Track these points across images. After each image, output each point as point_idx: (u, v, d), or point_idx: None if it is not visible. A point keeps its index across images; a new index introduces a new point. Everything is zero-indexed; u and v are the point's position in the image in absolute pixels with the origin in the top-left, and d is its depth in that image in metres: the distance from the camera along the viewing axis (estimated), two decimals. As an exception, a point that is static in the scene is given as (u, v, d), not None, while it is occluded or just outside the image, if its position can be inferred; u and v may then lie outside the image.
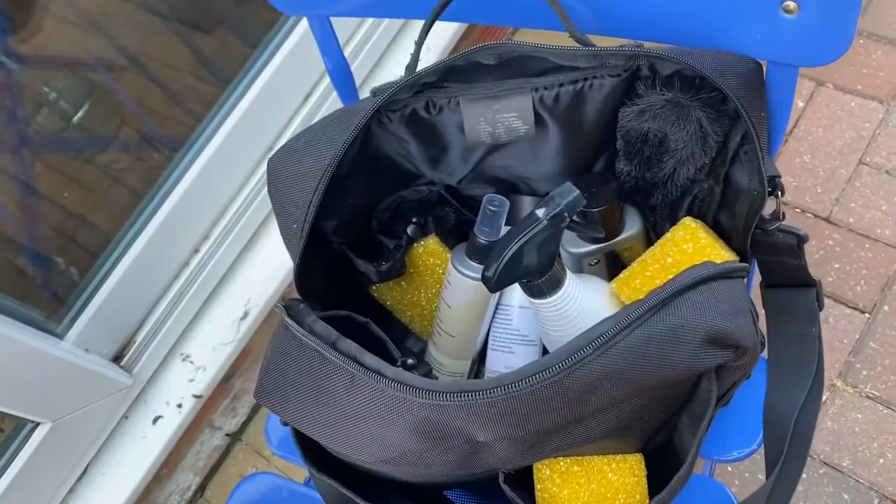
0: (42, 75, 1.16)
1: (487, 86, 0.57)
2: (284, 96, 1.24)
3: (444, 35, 1.35)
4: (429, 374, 0.61)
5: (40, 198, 1.15)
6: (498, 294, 0.70)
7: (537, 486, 0.54)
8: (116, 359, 1.16)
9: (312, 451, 0.53)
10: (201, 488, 1.33)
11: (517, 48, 0.53)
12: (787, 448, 0.59)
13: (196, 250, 1.20)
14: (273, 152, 0.58)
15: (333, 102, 1.27)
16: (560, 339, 0.61)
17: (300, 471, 0.78)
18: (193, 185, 1.16)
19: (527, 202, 0.69)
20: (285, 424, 0.57)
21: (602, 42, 0.56)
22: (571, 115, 0.58)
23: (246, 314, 1.22)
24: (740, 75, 0.52)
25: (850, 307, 1.15)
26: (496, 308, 0.71)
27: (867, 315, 1.14)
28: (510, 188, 0.70)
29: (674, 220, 0.68)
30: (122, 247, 1.15)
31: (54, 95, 1.19)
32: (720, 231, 0.63)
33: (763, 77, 0.54)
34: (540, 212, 0.54)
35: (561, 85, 0.56)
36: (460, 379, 0.71)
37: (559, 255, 0.61)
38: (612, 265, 0.69)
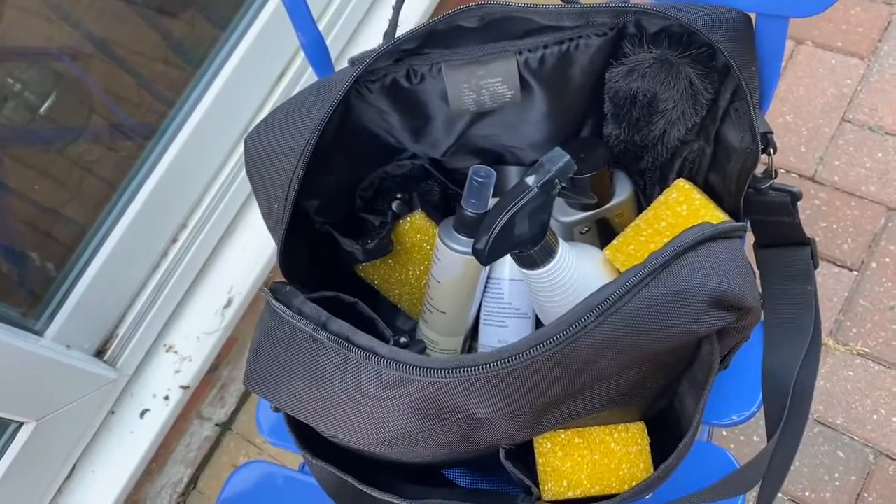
0: (5, 67, 1.12)
1: (470, 50, 0.55)
2: (257, 77, 1.21)
3: (421, 1, 1.32)
4: (423, 351, 0.59)
5: (10, 193, 1.12)
6: (488, 267, 0.68)
7: (539, 460, 0.53)
8: (99, 353, 1.13)
9: (306, 437, 0.51)
10: (194, 480, 1.31)
11: (500, 9, 0.51)
12: (787, 409, 0.58)
13: (174, 239, 1.18)
14: (249, 131, 0.55)
15: (308, 80, 1.24)
16: (554, 310, 0.60)
17: (294, 457, 0.76)
18: (168, 172, 1.13)
19: (513, 172, 0.67)
20: (277, 410, 0.56)
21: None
22: (557, 78, 0.56)
23: (230, 302, 1.20)
24: (730, 29, 0.50)
25: (837, 265, 1.15)
26: (487, 282, 0.69)
27: (855, 273, 1.14)
28: (495, 158, 0.68)
29: (664, 183, 0.66)
30: (98, 239, 1.12)
31: (19, 87, 1.15)
32: (711, 192, 0.62)
33: (752, 30, 0.53)
34: (530, 179, 0.52)
35: (546, 47, 0.54)
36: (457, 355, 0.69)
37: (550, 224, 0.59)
38: (604, 232, 0.67)
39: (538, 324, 0.71)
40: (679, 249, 0.44)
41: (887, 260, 1.12)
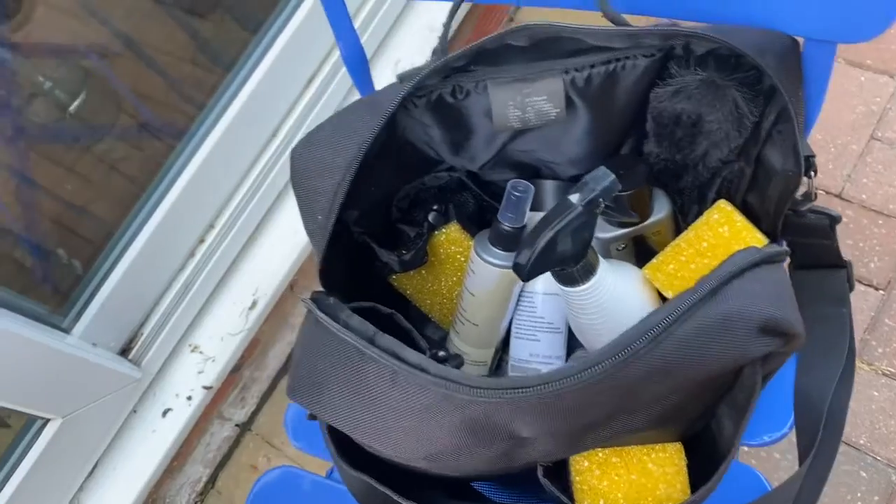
0: (36, 64, 1.14)
1: (517, 68, 0.55)
2: (287, 81, 1.22)
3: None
4: (461, 365, 0.59)
5: (40, 190, 1.13)
6: (518, 281, 0.68)
7: (575, 479, 0.53)
8: (123, 352, 1.14)
9: (345, 448, 0.51)
10: (212, 480, 1.32)
11: (551, 29, 0.51)
12: (821, 432, 0.58)
13: (202, 240, 1.18)
14: (295, 142, 0.56)
15: (339, 84, 1.25)
16: (591, 328, 0.60)
17: (316, 462, 0.77)
18: (197, 174, 1.14)
19: (549, 187, 0.68)
20: (312, 419, 0.56)
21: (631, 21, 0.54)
22: (602, 97, 0.56)
23: (254, 304, 1.21)
24: (778, 54, 0.50)
25: (864, 284, 1.14)
26: (520, 295, 0.70)
27: (881, 292, 1.13)
28: (532, 172, 0.68)
29: (702, 203, 0.66)
30: (127, 238, 1.13)
31: (49, 85, 1.17)
32: (749, 213, 0.62)
33: (800, 55, 0.53)
34: (574, 197, 0.52)
35: (593, 66, 0.54)
36: (512, 375, 0.69)
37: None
38: (640, 249, 0.68)
39: (570, 339, 0.71)
40: (728, 275, 0.44)
41: (916, 281, 1.12)
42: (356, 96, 1.28)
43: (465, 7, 1.35)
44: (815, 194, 0.60)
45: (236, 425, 1.32)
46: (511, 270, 0.65)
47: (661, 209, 0.65)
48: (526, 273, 0.53)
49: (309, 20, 1.20)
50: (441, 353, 0.56)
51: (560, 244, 0.52)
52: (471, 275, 0.67)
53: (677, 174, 0.63)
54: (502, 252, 0.65)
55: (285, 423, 0.80)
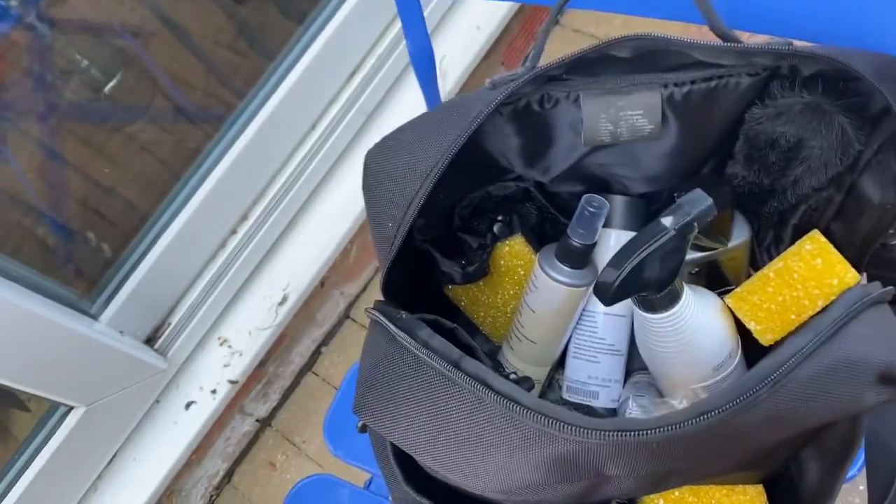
0: (72, 41, 1.11)
1: (612, 80, 0.52)
2: (330, 73, 1.19)
3: (495, 16, 1.30)
4: (532, 388, 0.56)
5: (72, 172, 1.11)
6: (585, 300, 0.65)
7: None
8: (149, 341, 1.12)
9: (409, 470, 0.48)
10: (229, 474, 1.30)
11: (660, 41, 0.48)
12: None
13: (234, 231, 1.16)
14: (372, 146, 0.53)
15: (382, 79, 1.22)
16: (665, 356, 0.57)
17: (336, 464, 0.74)
18: (234, 164, 1.11)
19: (618, 203, 0.64)
20: (363, 431, 0.53)
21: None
22: (698, 115, 0.53)
23: (284, 299, 1.18)
24: (894, 79, 0.47)
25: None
26: (581, 314, 0.67)
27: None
28: (601, 186, 0.65)
29: (781, 229, 0.63)
30: (160, 226, 1.10)
31: (86, 63, 1.14)
32: (831, 242, 0.59)
33: (915, 82, 0.49)
34: (667, 221, 0.49)
35: (693, 82, 0.51)
36: (617, 417, 0.65)
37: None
38: (712, 274, 0.64)
39: (630, 362, 0.68)
40: (845, 316, 0.41)
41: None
42: (402, 91, 1.26)
43: (512, 5, 1.32)
44: (906, 228, 0.57)
45: (257, 420, 1.30)
46: (575, 289, 0.63)
47: (741, 234, 0.62)
48: (610, 297, 0.50)
49: (356, 12, 1.17)
50: (513, 375, 0.53)
51: (648, 268, 0.49)
52: (532, 290, 0.64)
53: (762, 199, 0.60)
54: (569, 269, 0.62)
55: (324, 429, 0.77)
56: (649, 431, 0.37)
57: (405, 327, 0.47)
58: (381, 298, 0.58)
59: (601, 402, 0.67)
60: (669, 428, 0.37)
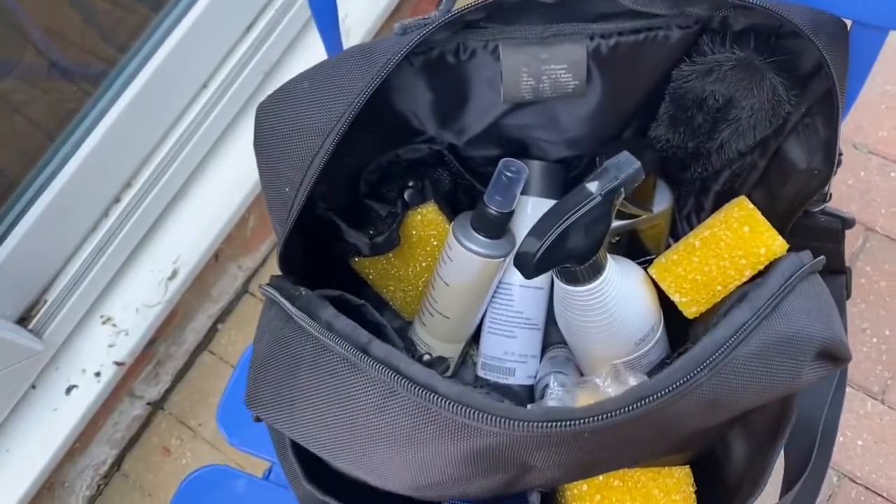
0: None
1: (536, 30, 0.47)
2: (223, 27, 1.09)
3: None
4: (446, 371, 0.52)
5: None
6: (501, 272, 0.61)
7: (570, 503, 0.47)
8: (22, 321, 1.01)
9: (309, 466, 0.43)
10: (118, 461, 1.21)
11: (588, -15, 0.43)
12: (815, 452, 0.53)
13: (117, 200, 1.06)
14: (265, 97, 0.46)
15: (282, 34, 1.13)
16: (586, 331, 0.53)
17: (237, 452, 0.68)
18: (116, 125, 1.01)
19: (536, 168, 0.60)
20: (258, 420, 0.48)
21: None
22: (624, 71, 0.49)
23: (174, 273, 1.09)
24: (831, 35, 0.44)
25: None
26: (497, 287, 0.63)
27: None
28: (519, 149, 0.61)
29: (702, 196, 0.61)
30: (32, 193, 0.99)
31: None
32: (752, 211, 0.57)
33: (848, 40, 0.47)
34: (592, 186, 0.45)
35: (621, 34, 0.47)
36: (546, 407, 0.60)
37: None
38: (630, 244, 0.62)
39: (546, 336, 0.65)
40: (782, 289, 0.38)
41: (863, 281, 1.11)
42: (303, 47, 1.18)
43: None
44: (830, 195, 0.55)
45: (148, 404, 1.21)
46: (492, 260, 0.59)
47: (663, 201, 0.59)
48: (532, 269, 0.45)
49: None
50: (426, 357, 0.48)
51: (572, 238, 0.46)
52: (446, 262, 0.59)
53: (685, 164, 0.57)
54: (485, 239, 0.57)
55: (218, 415, 0.71)
56: (581, 421, 0.33)
57: (304, 306, 0.41)
58: (279, 273, 0.53)
59: (518, 379, 0.63)
60: (603, 417, 0.34)
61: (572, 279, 0.49)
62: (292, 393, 0.39)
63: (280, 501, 0.65)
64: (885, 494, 1.01)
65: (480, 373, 0.65)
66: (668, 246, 0.62)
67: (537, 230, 0.45)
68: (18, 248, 0.96)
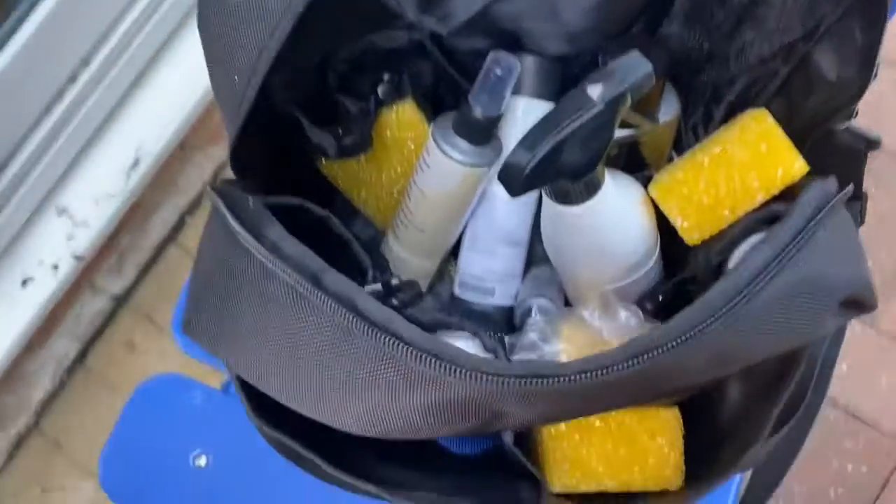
0: None
1: None
2: None
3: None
4: (417, 297, 0.47)
5: None
6: (484, 181, 0.55)
7: (549, 444, 0.43)
8: (-29, 207, 0.95)
9: (259, 401, 0.38)
10: (81, 356, 1.17)
11: None
12: (811, 390, 0.49)
13: (73, 78, 0.97)
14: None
15: None
16: (576, 253, 0.48)
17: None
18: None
19: (529, 63, 0.53)
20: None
21: None
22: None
23: (137, 162, 1.02)
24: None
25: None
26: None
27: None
28: (510, 42, 0.53)
29: (712, 106, 0.54)
30: (-25, 67, 0.91)
31: None
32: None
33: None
34: (594, 90, 0.39)
35: None
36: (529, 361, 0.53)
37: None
38: (630, 155, 0.55)
39: (530, 252, 0.60)
40: (807, 223, 0.33)
41: (863, 200, 1.06)
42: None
43: None
44: (857, 111, 0.49)
45: (112, 298, 1.16)
46: (475, 169, 0.52)
47: (670, 110, 0.52)
48: (521, 184, 0.40)
49: None
50: (394, 281, 0.43)
51: (568, 150, 0.39)
52: (424, 169, 0.53)
53: (697, 67, 0.50)
54: (468, 145, 0.51)
55: (174, 324, 0.66)
56: (571, 378, 0.28)
57: (251, 222, 0.35)
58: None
59: (497, 300, 0.58)
60: (595, 374, 0.28)
61: (564, 198, 0.43)
62: (235, 324, 0.34)
63: (238, 415, 0.61)
64: (865, 419, 0.99)
65: (457, 291, 0.59)
66: (671, 159, 0.56)
67: (528, 140, 0.39)
68: (-36, 129, 0.89)
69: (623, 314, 0.42)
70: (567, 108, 0.39)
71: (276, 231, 0.35)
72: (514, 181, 0.40)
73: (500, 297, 0.59)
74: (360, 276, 0.48)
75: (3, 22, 0.92)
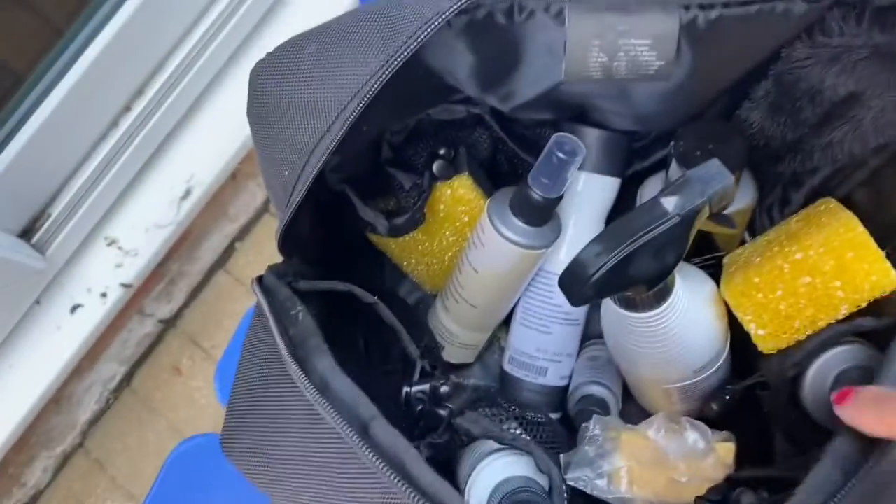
0: None
1: (613, -8, 0.36)
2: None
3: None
4: (455, 390, 0.44)
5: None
6: (540, 262, 0.52)
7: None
8: (25, 234, 0.95)
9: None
10: (128, 378, 1.17)
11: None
12: None
13: (128, 108, 0.97)
14: (260, 61, 0.37)
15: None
16: (640, 356, 0.45)
17: None
18: (130, 22, 0.90)
19: (592, 137, 0.50)
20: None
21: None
22: (724, 51, 0.38)
23: (188, 192, 1.01)
24: None
25: None
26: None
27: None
28: (574, 114, 0.50)
29: (790, 190, 0.50)
30: (38, 94, 0.91)
31: None
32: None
33: None
34: (669, 202, 0.36)
35: (726, 5, 0.36)
36: None
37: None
38: (700, 242, 0.52)
39: (585, 327, 0.56)
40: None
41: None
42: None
43: None
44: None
45: (160, 321, 1.16)
46: (531, 252, 0.49)
47: (745, 197, 0.49)
48: (582, 297, 0.37)
49: None
50: (444, 388, 0.40)
51: (637, 262, 0.36)
52: (478, 246, 0.50)
53: (777, 156, 0.46)
54: (525, 226, 0.48)
55: (216, 377, 0.65)
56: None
57: (300, 338, 0.33)
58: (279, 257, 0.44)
59: (549, 380, 0.56)
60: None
61: (631, 305, 0.40)
62: (274, 455, 0.32)
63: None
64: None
65: (507, 367, 0.57)
66: (743, 242, 0.53)
67: (594, 248, 0.36)
68: (22, 156, 0.89)
69: (691, 436, 0.39)
70: (640, 218, 0.35)
71: (326, 363, 0.32)
72: (576, 292, 0.37)
73: (553, 377, 0.56)
74: (405, 364, 0.46)
75: (66, 46, 0.92)
